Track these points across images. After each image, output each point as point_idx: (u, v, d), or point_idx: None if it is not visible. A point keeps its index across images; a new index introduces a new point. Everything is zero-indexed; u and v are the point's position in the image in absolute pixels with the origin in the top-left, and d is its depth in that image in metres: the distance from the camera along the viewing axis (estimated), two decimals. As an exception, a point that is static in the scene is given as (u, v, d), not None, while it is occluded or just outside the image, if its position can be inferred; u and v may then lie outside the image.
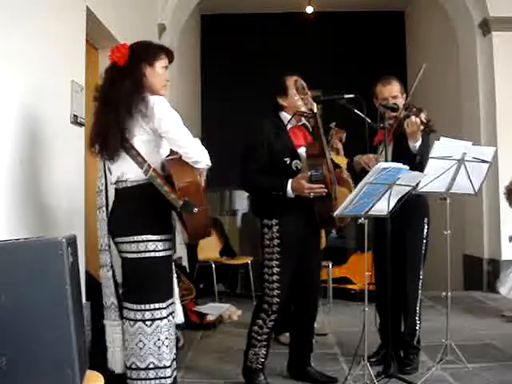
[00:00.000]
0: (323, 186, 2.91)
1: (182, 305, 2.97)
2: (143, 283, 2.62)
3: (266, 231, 3.06)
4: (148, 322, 2.59)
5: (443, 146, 3.00)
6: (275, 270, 3.02)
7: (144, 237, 2.59)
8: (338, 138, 5.00)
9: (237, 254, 6.53)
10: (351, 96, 3.14)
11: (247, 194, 7.16)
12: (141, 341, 2.58)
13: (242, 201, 8.58)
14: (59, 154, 3.16)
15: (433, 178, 3.04)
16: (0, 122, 2.61)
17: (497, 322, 4.54)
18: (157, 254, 2.61)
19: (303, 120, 3.17)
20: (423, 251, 3.36)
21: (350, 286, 5.73)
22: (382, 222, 3.10)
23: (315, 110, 3.04)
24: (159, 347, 2.59)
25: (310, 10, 8.01)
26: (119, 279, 2.71)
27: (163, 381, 2.59)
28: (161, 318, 2.61)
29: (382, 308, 3.32)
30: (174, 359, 2.70)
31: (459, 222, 5.88)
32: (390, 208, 2.92)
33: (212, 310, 4.77)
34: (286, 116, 3.13)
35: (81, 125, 3.55)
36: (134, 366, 2.59)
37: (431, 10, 7.56)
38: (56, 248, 1.89)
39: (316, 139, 3.09)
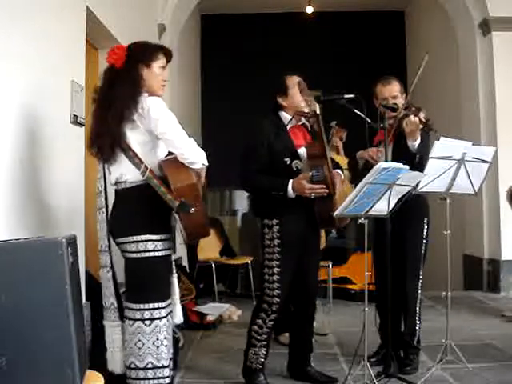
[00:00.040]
0: (324, 186, 2.91)
1: (182, 305, 2.97)
2: (143, 283, 2.63)
3: (266, 231, 3.06)
4: (147, 322, 2.59)
5: (443, 146, 3.00)
6: (275, 269, 3.02)
7: (143, 237, 2.59)
8: (339, 136, 5.01)
9: (237, 253, 6.53)
10: (351, 96, 3.14)
11: (247, 194, 7.17)
12: (140, 340, 2.58)
13: (242, 201, 8.59)
14: (59, 153, 3.16)
15: (433, 178, 3.04)
16: (0, 121, 2.61)
17: (497, 322, 4.54)
18: (156, 254, 2.62)
19: (303, 120, 3.18)
20: (423, 251, 3.36)
21: (350, 286, 5.73)
22: (382, 222, 3.10)
23: (318, 111, 3.05)
24: (158, 347, 2.59)
25: (310, 10, 8.01)
26: (120, 279, 2.71)
27: (161, 380, 2.60)
28: (160, 318, 2.61)
29: (382, 308, 3.32)
30: (170, 358, 2.70)
31: (459, 222, 5.87)
32: (390, 208, 2.92)
33: (212, 310, 4.77)
34: (285, 116, 3.13)
35: (81, 125, 3.55)
36: (133, 366, 2.60)
37: (431, 10, 7.56)
38: (56, 248, 1.89)
39: (315, 139, 3.09)
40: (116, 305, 2.67)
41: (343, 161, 4.13)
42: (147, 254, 2.60)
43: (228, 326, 4.62)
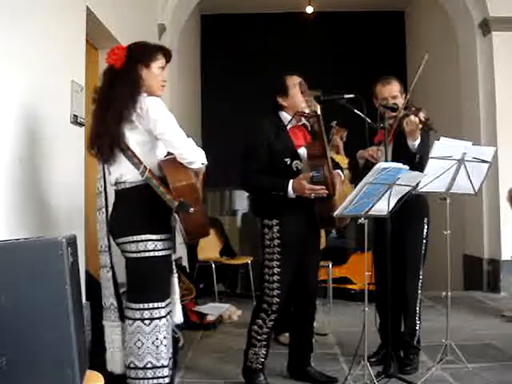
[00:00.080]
0: (324, 187, 2.91)
1: (182, 305, 2.97)
2: (143, 282, 2.63)
3: (266, 231, 3.06)
4: (147, 321, 2.59)
5: (443, 146, 3.00)
6: (276, 270, 3.02)
7: (143, 236, 2.59)
8: (339, 136, 5.01)
9: (237, 253, 6.53)
10: (351, 96, 3.14)
11: (247, 194, 7.17)
12: (139, 340, 2.59)
13: (242, 201, 8.59)
14: (59, 153, 3.16)
15: (433, 178, 3.04)
16: (0, 121, 2.61)
17: (497, 322, 4.54)
18: (156, 254, 2.62)
19: (303, 120, 3.18)
20: (423, 251, 3.36)
21: (350, 286, 5.73)
22: (382, 222, 3.10)
23: (318, 112, 3.05)
24: (157, 346, 2.59)
25: (310, 9, 8.00)
26: (121, 279, 2.71)
27: (161, 380, 2.60)
28: (159, 318, 2.61)
29: (382, 308, 3.31)
30: (170, 358, 2.70)
31: (459, 222, 5.87)
32: (390, 208, 2.92)
33: (212, 310, 4.77)
34: (285, 116, 3.13)
35: (81, 125, 3.55)
36: (132, 366, 2.60)
37: (431, 10, 7.56)
38: (56, 248, 1.89)
39: (316, 139, 3.09)
40: (116, 305, 2.67)
41: (343, 160, 4.14)
42: (147, 254, 2.60)
43: (228, 326, 4.62)
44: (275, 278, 3.02)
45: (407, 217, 3.20)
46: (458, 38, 6.57)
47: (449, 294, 3.21)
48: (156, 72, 2.67)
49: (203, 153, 2.63)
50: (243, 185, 3.22)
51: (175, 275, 2.80)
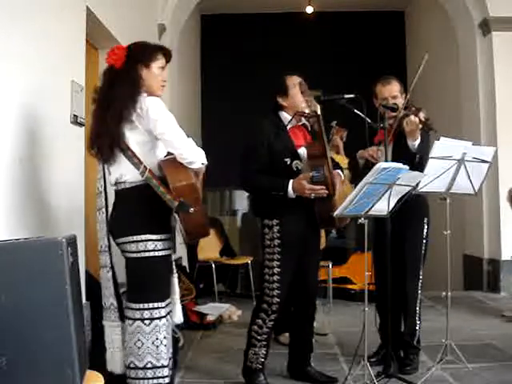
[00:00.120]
0: (324, 187, 2.91)
1: (182, 305, 2.97)
2: (143, 282, 2.63)
3: (266, 231, 3.06)
4: (147, 321, 2.59)
5: (443, 146, 3.01)
6: (276, 270, 3.02)
7: (143, 236, 2.59)
8: (339, 136, 5.01)
9: (237, 253, 6.53)
10: (351, 96, 3.14)
11: (247, 194, 7.17)
12: (139, 340, 2.59)
13: (242, 201, 8.59)
14: (59, 153, 3.16)
15: (433, 178, 3.04)
16: (0, 121, 2.61)
17: (497, 322, 4.54)
18: (156, 254, 2.62)
19: (303, 120, 3.18)
20: (423, 251, 3.36)
21: (350, 286, 5.73)
22: (382, 221, 3.10)
23: (318, 112, 3.05)
24: (157, 346, 2.59)
25: (310, 10, 8.00)
26: (121, 279, 2.72)
27: (161, 380, 2.60)
28: (159, 318, 2.61)
29: (382, 308, 3.31)
30: (170, 358, 2.70)
31: (459, 222, 5.87)
32: (390, 208, 2.92)
33: (212, 309, 4.77)
34: (285, 116, 3.13)
35: (81, 125, 3.55)
36: (132, 366, 2.60)
37: (431, 10, 7.56)
38: (56, 248, 1.89)
39: (316, 139, 3.09)
40: (116, 305, 2.67)
41: (343, 160, 4.14)
42: (147, 254, 2.60)
43: (228, 326, 4.62)
44: (275, 277, 3.02)
45: (407, 217, 3.20)
46: (458, 38, 6.57)
47: (449, 294, 3.21)
48: (156, 72, 2.67)
49: (203, 153, 2.63)
50: (243, 185, 3.22)
51: (175, 275, 2.80)
